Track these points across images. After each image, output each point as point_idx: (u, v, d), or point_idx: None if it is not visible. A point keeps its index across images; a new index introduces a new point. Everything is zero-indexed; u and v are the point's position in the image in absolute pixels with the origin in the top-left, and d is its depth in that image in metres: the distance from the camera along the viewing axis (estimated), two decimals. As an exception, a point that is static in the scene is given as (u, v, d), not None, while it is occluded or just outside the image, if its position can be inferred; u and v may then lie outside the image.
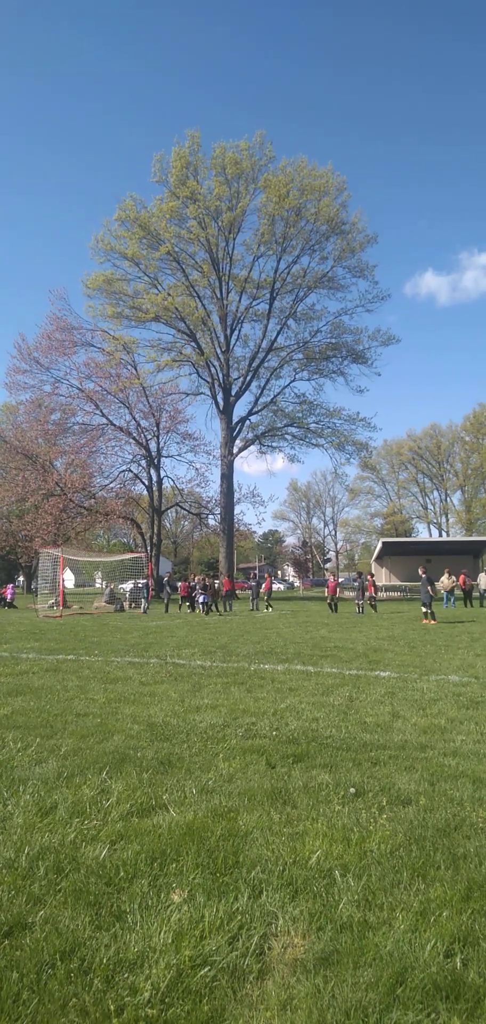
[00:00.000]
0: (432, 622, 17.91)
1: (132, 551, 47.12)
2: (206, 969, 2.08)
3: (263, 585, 28.94)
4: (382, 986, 1.99)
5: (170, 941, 2.22)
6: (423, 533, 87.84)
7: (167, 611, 25.74)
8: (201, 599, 24.52)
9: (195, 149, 37.96)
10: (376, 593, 26.71)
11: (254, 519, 67.43)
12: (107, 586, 37.39)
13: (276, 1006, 1.92)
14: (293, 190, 36.82)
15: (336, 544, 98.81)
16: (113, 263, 39.43)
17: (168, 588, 27.86)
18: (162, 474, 43.60)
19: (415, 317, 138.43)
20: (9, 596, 33.96)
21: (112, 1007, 1.89)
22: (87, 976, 2.04)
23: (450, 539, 69.67)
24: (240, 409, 43.78)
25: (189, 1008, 1.91)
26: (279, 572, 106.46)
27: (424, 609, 18.87)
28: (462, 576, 28.98)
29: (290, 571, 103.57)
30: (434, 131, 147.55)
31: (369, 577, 26.07)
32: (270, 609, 26.25)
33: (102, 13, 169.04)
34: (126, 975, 2.05)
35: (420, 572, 19.96)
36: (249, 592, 30.82)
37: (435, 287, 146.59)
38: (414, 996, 1.95)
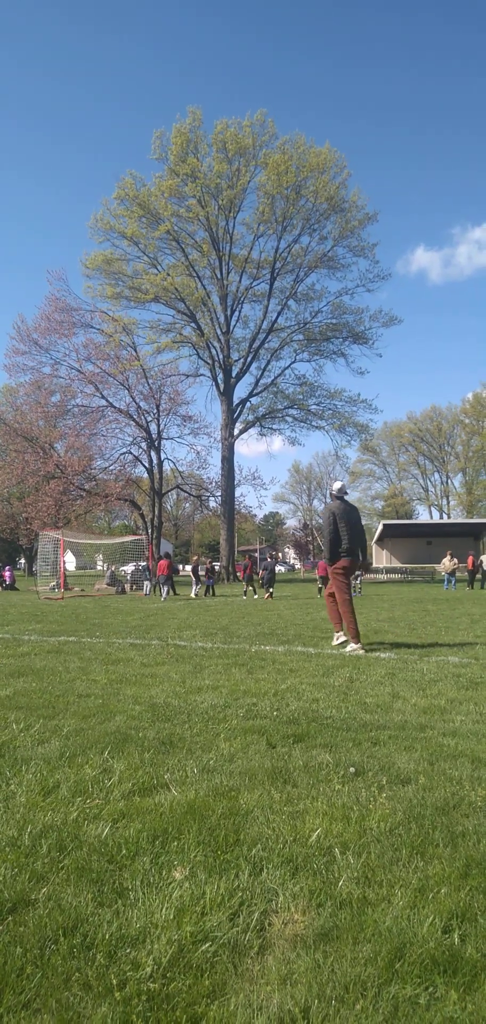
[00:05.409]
0: (267, 596, 22.22)
1: (133, 533, 47.15)
2: (207, 944, 2.10)
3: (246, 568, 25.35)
4: (381, 961, 2.02)
5: (172, 917, 2.25)
6: (424, 515, 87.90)
7: (170, 593, 25.82)
8: (197, 582, 24.76)
9: (196, 126, 37.33)
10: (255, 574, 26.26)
11: (255, 502, 67.49)
12: (108, 568, 37.44)
13: (276, 980, 1.94)
14: (292, 167, 36.32)
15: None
16: (112, 243, 39.04)
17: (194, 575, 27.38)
18: (162, 456, 43.53)
19: (407, 294, 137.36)
20: (7, 579, 34.03)
21: (114, 981, 1.92)
22: (90, 951, 2.06)
23: (451, 521, 69.76)
24: (240, 391, 43.67)
25: (190, 982, 1.93)
26: (279, 554, 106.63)
27: (266, 586, 22.94)
28: (470, 557, 29.28)
29: (291, 553, 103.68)
30: (425, 111, 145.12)
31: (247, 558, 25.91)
32: (249, 595, 23.68)
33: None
34: (128, 950, 2.07)
35: (267, 558, 25.08)
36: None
37: (426, 263, 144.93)
38: (412, 971, 1.98)
